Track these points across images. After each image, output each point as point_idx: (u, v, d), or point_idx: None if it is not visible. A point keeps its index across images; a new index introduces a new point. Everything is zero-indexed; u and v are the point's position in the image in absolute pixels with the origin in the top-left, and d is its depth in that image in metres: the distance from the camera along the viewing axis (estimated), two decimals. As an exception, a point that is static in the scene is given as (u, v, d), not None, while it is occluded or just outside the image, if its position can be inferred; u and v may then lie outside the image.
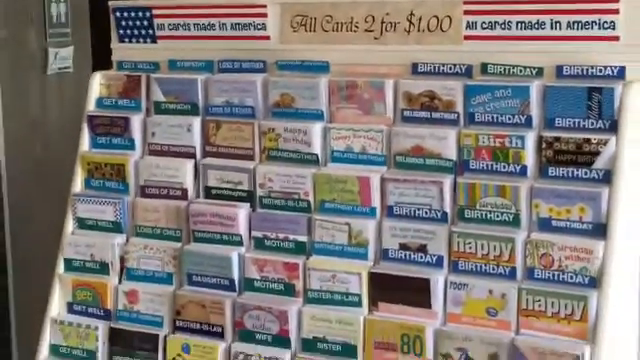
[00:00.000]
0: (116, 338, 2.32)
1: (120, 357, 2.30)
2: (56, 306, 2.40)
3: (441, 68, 2.09)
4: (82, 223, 2.40)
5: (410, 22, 2.12)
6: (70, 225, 2.41)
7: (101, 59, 2.70)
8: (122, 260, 2.35)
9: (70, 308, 2.39)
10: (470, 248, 1.98)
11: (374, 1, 2.16)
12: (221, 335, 2.20)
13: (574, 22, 1.97)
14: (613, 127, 1.90)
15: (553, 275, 1.90)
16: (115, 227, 2.37)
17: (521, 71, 2.01)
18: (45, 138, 4.13)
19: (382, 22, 2.15)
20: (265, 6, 2.26)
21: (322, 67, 2.20)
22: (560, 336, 1.88)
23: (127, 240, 2.36)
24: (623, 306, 1.94)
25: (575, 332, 1.86)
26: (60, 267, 2.40)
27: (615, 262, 1.85)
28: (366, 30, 2.17)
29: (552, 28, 1.99)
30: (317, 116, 2.18)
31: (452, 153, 2.03)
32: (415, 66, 2.11)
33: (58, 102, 4.17)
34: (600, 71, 1.94)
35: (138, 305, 2.30)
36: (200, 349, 2.21)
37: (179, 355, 2.22)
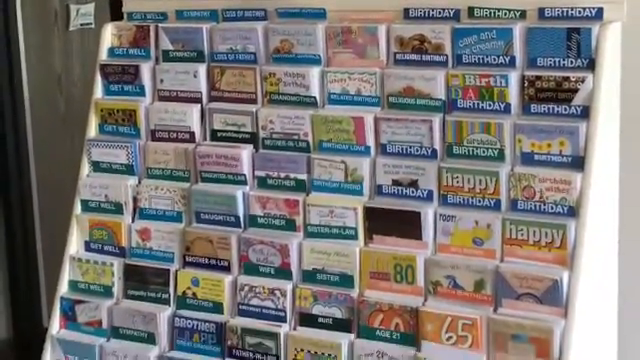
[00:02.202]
0: (130, 274, 2.38)
1: (134, 291, 2.37)
2: (74, 245, 2.47)
3: (430, 12, 2.14)
4: (97, 166, 2.47)
5: (398, -31, 2.17)
6: (86, 168, 2.48)
7: (118, 14, 2.75)
8: (135, 200, 2.41)
9: (87, 246, 2.46)
10: (458, 182, 2.06)
11: (367, -50, 2.20)
12: (228, 269, 2.27)
13: (555, -35, 2.02)
14: (591, 65, 1.96)
15: (535, 206, 1.98)
16: (128, 169, 2.43)
17: (505, 14, 2.06)
18: (68, 93, 4.22)
19: (363, -30, 2.20)
20: (265, -43, 2.31)
21: (319, 14, 2.25)
22: (541, 263, 1.95)
23: (139, 181, 2.41)
24: (601, 234, 2.03)
25: (555, 259, 1.94)
26: (77, 208, 2.47)
27: (592, 192, 1.93)
28: (360, -23, 2.22)
29: (534, -28, 2.04)
30: (315, 61, 2.24)
31: (441, 93, 2.10)
32: (406, 11, 2.16)
33: (80, 57, 4.24)
34: (579, 12, 2.00)
35: (150, 242, 2.38)
36: (208, 282, 2.28)
37: (189, 288, 2.30)
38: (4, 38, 4.10)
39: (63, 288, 2.47)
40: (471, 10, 2.11)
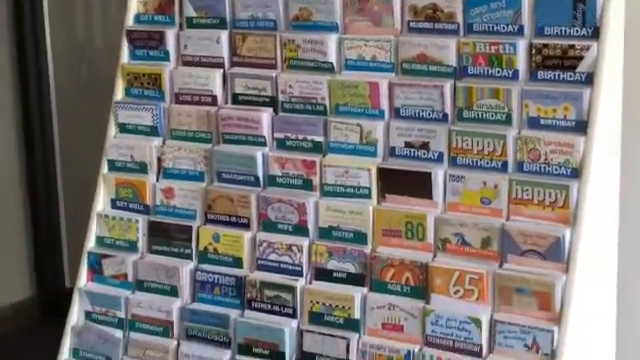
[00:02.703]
0: (154, 230, 2.46)
1: (158, 246, 2.45)
2: (101, 203, 2.54)
3: None
4: (123, 128, 2.54)
5: (416, -58, 2.23)
6: (112, 130, 2.55)
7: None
8: (159, 161, 2.48)
9: (113, 204, 2.53)
10: (467, 145, 2.13)
11: None
12: (247, 226, 2.35)
13: (563, -60, 2.08)
14: (595, 34, 2.03)
15: (539, 167, 2.06)
16: (152, 131, 2.50)
17: None
18: (91, 60, 4.30)
19: (391, -58, 2.25)
20: None
21: None
22: (545, 221, 2.03)
23: (163, 142, 2.48)
24: (602, 195, 2.11)
25: (558, 217, 2.03)
26: (104, 168, 2.55)
27: (594, 155, 2.01)
28: (377, -51, 2.28)
29: (544, -54, 2.11)
30: (332, 28, 2.30)
31: (452, 60, 2.16)
32: None
33: (102, 26, 4.31)
34: (585, -16, 2.07)
35: (174, 200, 2.45)
36: (229, 238, 2.36)
37: (210, 244, 2.39)
38: (29, 9, 4.20)
39: (90, 243, 2.55)
40: (482, -19, 2.17)
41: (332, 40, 2.31)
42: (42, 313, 4.21)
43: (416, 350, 2.14)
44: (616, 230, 2.25)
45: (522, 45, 2.11)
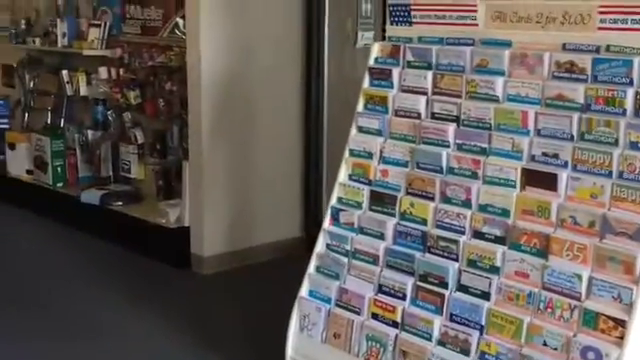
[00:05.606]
0: (373, 196, 2.52)
1: (375, 207, 2.51)
2: (342, 175, 2.62)
3: (579, 47, 2.17)
4: (360, 129, 2.61)
5: (564, 18, 2.20)
6: (354, 130, 2.62)
7: (384, 37, 2.88)
8: (381, 152, 2.54)
9: (349, 177, 2.61)
10: (585, 157, 2.10)
11: (542, 4, 2.25)
12: (432, 199, 2.37)
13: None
14: None
15: (634, 177, 2.02)
16: (378, 132, 2.56)
17: (630, 50, 2.08)
18: (354, 88, 4.44)
19: (546, 17, 2.24)
20: (476, 5, 2.39)
21: (507, 44, 2.31)
22: (634, 213, 1.99)
23: (385, 141, 2.55)
24: None
25: None
26: (346, 154, 2.62)
27: None
28: (536, 22, 2.26)
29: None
30: (501, 73, 2.30)
31: (581, 99, 2.13)
32: (564, 45, 2.20)
33: (362, 65, 4.45)
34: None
35: (387, 178, 2.51)
36: (420, 206, 2.39)
37: (408, 208, 2.42)
38: (316, 50, 4.42)
39: (333, 201, 2.65)
40: (608, 47, 2.13)
41: (500, 81, 2.31)
42: (306, 247, 4.36)
43: (536, 291, 2.14)
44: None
45: (630, 92, 2.06)
